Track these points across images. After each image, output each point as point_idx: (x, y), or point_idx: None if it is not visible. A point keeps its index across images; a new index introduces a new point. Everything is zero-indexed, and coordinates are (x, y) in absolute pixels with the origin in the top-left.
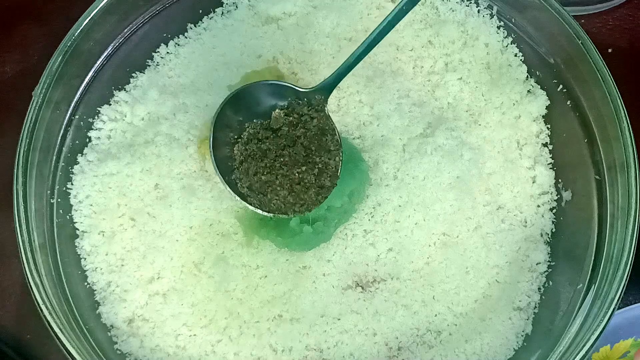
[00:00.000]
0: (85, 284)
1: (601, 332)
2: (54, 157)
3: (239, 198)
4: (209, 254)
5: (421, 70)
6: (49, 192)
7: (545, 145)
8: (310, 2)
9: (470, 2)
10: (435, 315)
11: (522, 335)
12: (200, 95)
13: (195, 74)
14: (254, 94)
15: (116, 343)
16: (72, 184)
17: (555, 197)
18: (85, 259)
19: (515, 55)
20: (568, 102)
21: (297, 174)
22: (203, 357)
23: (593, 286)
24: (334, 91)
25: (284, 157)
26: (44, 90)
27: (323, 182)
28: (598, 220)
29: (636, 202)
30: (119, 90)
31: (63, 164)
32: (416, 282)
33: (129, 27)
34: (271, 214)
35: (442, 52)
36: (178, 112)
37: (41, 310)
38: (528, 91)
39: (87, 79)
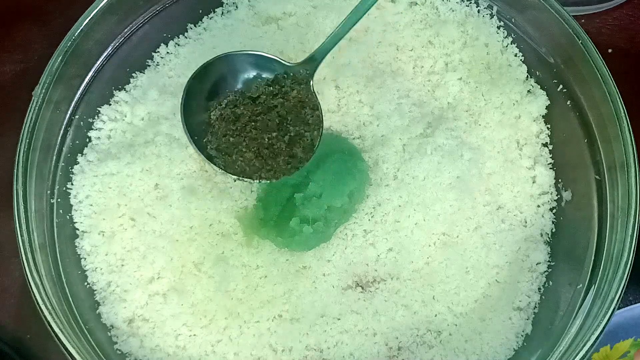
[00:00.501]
0: (85, 284)
1: (601, 332)
2: (54, 157)
3: (204, 158)
4: (209, 254)
5: (421, 70)
6: (49, 192)
7: (545, 145)
8: (310, 2)
9: (470, 2)
10: (435, 315)
11: (522, 335)
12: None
13: None
14: (239, 64)
15: (116, 343)
16: (72, 184)
17: (555, 197)
18: (85, 259)
19: (515, 55)
20: (568, 102)
21: (266, 139)
22: (203, 357)
23: (593, 286)
24: (334, 91)
25: (256, 122)
26: (44, 90)
27: (295, 152)
28: (598, 220)
29: (636, 202)
30: (119, 90)
31: (63, 164)
32: (416, 282)
33: (129, 27)
34: (235, 176)
35: (442, 52)
36: (178, 112)
37: (41, 310)
38: (528, 91)
39: (87, 79)
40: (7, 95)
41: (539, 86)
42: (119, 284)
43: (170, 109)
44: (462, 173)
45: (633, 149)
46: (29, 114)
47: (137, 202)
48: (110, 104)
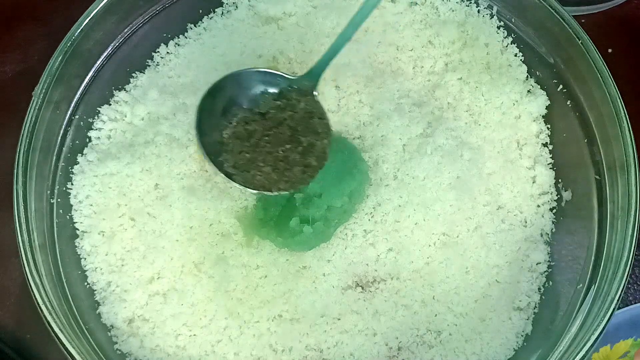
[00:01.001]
0: (85, 284)
1: (601, 332)
2: (54, 157)
3: (223, 175)
4: (209, 254)
5: (421, 70)
6: (49, 192)
7: (545, 145)
8: (310, 2)
9: (470, 2)
10: (435, 315)
11: (522, 335)
12: (200, 95)
13: (195, 74)
14: (245, 82)
15: (116, 343)
16: (72, 184)
17: (555, 197)
18: (85, 259)
19: (515, 55)
20: (568, 102)
21: (281, 152)
22: (203, 357)
23: (593, 286)
24: (334, 91)
25: (269, 136)
26: (44, 90)
27: (309, 161)
28: (598, 220)
29: (636, 202)
30: (119, 90)
31: (63, 164)
32: (416, 282)
33: (129, 27)
34: (255, 191)
35: (442, 52)
36: (178, 112)
37: (41, 310)
38: (528, 91)
39: (87, 79)
40: (7, 95)
41: (539, 86)
42: (119, 284)
43: (170, 109)
44: (462, 173)
45: (633, 149)
46: (29, 114)
47: (137, 202)
48: (110, 104)
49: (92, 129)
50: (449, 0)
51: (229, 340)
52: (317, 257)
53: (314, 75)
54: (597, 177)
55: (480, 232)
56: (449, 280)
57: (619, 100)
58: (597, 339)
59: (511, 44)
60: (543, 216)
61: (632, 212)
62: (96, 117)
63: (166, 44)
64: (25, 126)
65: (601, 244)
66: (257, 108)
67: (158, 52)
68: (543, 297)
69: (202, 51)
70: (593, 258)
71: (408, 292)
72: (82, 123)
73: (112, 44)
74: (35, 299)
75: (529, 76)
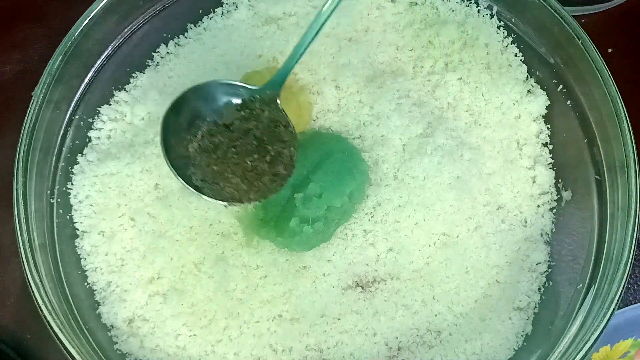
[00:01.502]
0: (85, 284)
1: (601, 332)
2: (54, 157)
3: (193, 190)
4: (209, 254)
5: (421, 70)
6: (49, 192)
7: (545, 145)
8: (310, 2)
9: (470, 2)
10: (435, 315)
11: (522, 335)
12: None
13: (195, 74)
14: (208, 94)
15: (116, 343)
16: (72, 184)
17: (555, 197)
18: (85, 259)
19: (515, 55)
20: (568, 102)
21: (249, 162)
22: (203, 357)
23: (593, 286)
24: (334, 91)
25: (235, 147)
26: (44, 90)
27: (277, 170)
28: (598, 220)
29: (636, 202)
30: (119, 90)
31: (63, 164)
32: (416, 282)
33: (129, 27)
34: (225, 203)
35: (442, 52)
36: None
37: (41, 310)
38: (528, 91)
39: (87, 79)
40: (7, 95)
41: (539, 86)
42: (119, 284)
43: None
44: (462, 173)
45: (633, 149)
46: (29, 114)
47: (137, 202)
48: (110, 104)
49: (92, 129)
50: (449, 0)
51: (229, 340)
52: (317, 257)
53: (276, 84)
54: (597, 177)
55: (480, 232)
56: (449, 280)
57: (619, 100)
58: (597, 339)
59: (511, 44)
60: (543, 216)
61: (632, 212)
62: (96, 117)
63: (166, 44)
64: (25, 126)
65: (601, 244)
66: (221, 120)
67: (158, 52)
68: (543, 297)
69: (202, 51)
70: (593, 258)
71: (408, 292)
72: (82, 123)
73: (112, 44)
74: (35, 299)
75: (529, 76)
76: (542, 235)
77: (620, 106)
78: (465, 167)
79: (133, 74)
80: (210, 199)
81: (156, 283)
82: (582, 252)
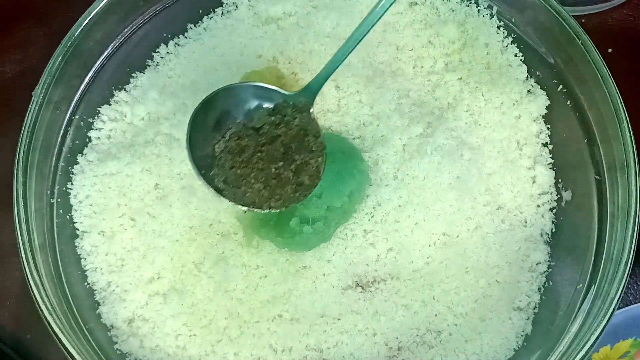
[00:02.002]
0: (85, 284)
1: (601, 332)
2: (54, 157)
3: (213, 190)
4: (209, 254)
5: (421, 70)
6: (49, 192)
7: (545, 145)
8: (310, 2)
9: (470, 2)
10: (435, 315)
11: (522, 335)
12: (200, 95)
13: (195, 74)
14: (240, 95)
15: (116, 343)
16: (72, 184)
17: (555, 197)
18: (85, 259)
19: (515, 55)
20: (568, 102)
21: (273, 169)
22: (203, 357)
23: (593, 286)
24: (334, 91)
25: (261, 152)
26: (44, 90)
27: (302, 179)
28: (598, 220)
29: (636, 202)
30: (119, 90)
31: (63, 164)
32: (416, 282)
33: (129, 27)
34: (245, 207)
35: (442, 52)
36: (178, 112)
37: (41, 310)
38: (528, 91)
39: (87, 79)
40: (7, 95)
41: (539, 86)
42: (119, 284)
43: (170, 109)
44: (462, 173)
45: (633, 149)
46: (29, 114)
47: (137, 202)
48: (110, 104)
49: (92, 129)
50: (449, 0)
51: (229, 340)
52: (317, 257)
53: (311, 91)
54: (597, 177)
55: (480, 232)
56: (449, 280)
57: (619, 100)
58: (597, 339)
59: (511, 44)
60: (543, 216)
61: (632, 212)
62: (96, 117)
63: (166, 44)
64: (25, 126)
65: (601, 244)
66: (251, 123)
67: (158, 52)
68: (543, 297)
69: (202, 51)
70: (593, 258)
71: (408, 292)
72: (82, 123)
73: (112, 44)
74: (35, 299)
75: (529, 76)
76: (542, 235)
77: (620, 106)
78: (465, 167)
79: (133, 74)
80: (230, 202)
81: (156, 283)
82: (582, 252)
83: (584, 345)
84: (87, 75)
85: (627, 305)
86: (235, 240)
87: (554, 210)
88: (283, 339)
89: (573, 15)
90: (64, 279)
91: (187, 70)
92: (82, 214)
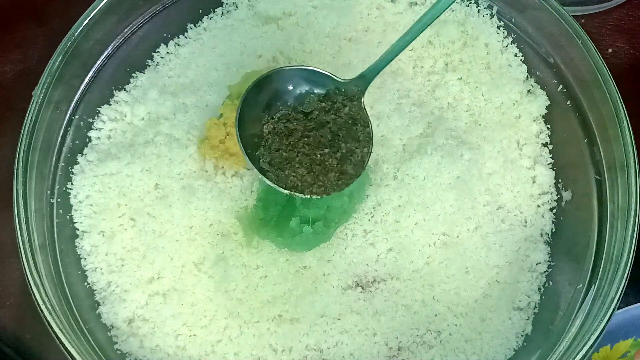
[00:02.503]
0: (85, 284)
1: (601, 332)
2: (54, 157)
3: (257, 170)
4: (209, 254)
5: (421, 70)
6: (49, 192)
7: (545, 145)
8: (310, 2)
9: (470, 2)
10: (435, 315)
11: (522, 335)
12: (200, 95)
13: (195, 74)
14: (293, 78)
15: (116, 343)
16: (72, 184)
17: (555, 197)
18: (85, 259)
19: (515, 55)
20: (568, 102)
21: (318, 155)
22: (203, 357)
23: (593, 286)
24: None
25: (308, 137)
26: (44, 90)
27: (346, 168)
28: (598, 220)
29: (636, 202)
30: (119, 90)
31: (63, 164)
32: (416, 282)
33: (129, 27)
34: (287, 191)
35: (442, 52)
36: (178, 112)
37: (41, 310)
38: (528, 91)
39: (87, 79)
40: (7, 95)
41: (539, 86)
42: (119, 284)
43: (170, 109)
44: (462, 173)
45: (633, 149)
46: (29, 114)
47: (137, 202)
48: (110, 104)
49: (92, 129)
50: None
51: (229, 340)
52: (317, 257)
53: (365, 80)
54: (597, 177)
55: (480, 232)
56: (449, 280)
57: (619, 100)
58: (597, 339)
59: (511, 44)
60: (543, 216)
61: (632, 212)
62: (96, 117)
63: (166, 44)
64: (25, 126)
65: (601, 244)
66: (301, 107)
67: (158, 52)
68: (543, 297)
69: (202, 51)
70: (593, 258)
71: (408, 292)
72: (82, 123)
73: (112, 44)
74: (35, 299)
75: (529, 76)
76: (542, 235)
77: (620, 106)
78: (465, 167)
79: (133, 74)
80: (272, 184)
81: (156, 283)
82: (582, 252)
83: (584, 346)
84: (87, 75)
85: (627, 305)
86: (235, 240)
87: (554, 210)
88: (283, 339)
89: (573, 15)
90: (64, 279)
91: (187, 70)
92: (82, 214)
